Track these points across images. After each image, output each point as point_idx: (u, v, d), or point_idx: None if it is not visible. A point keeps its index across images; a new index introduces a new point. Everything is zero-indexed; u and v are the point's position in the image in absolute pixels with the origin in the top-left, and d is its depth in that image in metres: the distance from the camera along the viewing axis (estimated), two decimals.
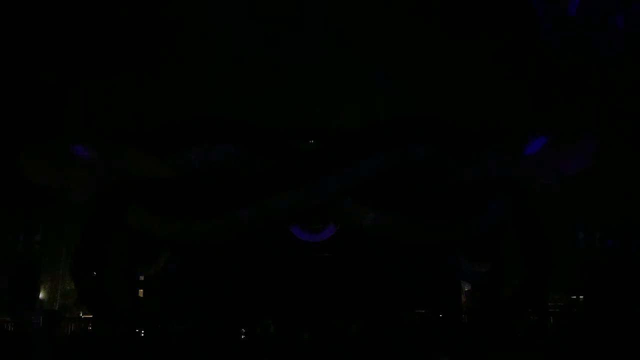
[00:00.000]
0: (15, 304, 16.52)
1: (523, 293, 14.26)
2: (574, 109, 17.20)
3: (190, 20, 17.95)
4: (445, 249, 15.81)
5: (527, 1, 18.41)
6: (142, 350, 9.14)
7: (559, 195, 15.86)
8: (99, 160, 14.52)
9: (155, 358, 8.71)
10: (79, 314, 16.21)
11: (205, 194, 14.41)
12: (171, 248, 15.51)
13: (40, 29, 17.42)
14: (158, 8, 17.83)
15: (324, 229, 15.67)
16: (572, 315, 15.44)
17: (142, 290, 15.70)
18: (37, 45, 17.48)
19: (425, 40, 18.22)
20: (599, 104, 16.88)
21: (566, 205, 16.71)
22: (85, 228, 14.65)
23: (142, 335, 13.32)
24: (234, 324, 15.15)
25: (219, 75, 17.56)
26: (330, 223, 15.53)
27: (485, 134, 15.53)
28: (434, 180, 14.74)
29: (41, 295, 17.38)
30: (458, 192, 14.89)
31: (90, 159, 14.60)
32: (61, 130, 15.68)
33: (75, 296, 14.88)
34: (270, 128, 15.14)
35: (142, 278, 15.37)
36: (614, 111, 16.85)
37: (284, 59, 17.85)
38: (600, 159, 15.19)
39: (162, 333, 12.61)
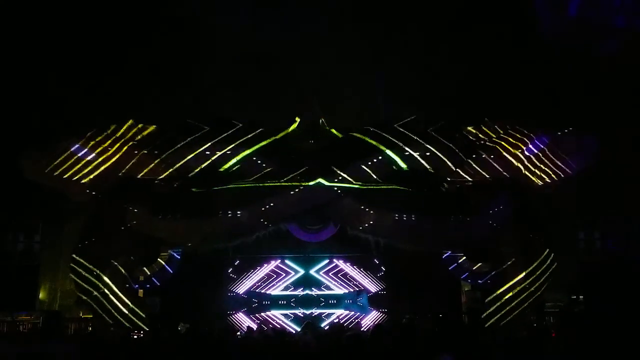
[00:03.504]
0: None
1: (523, 293, 14.27)
2: (574, 109, 17.21)
3: (190, 20, 17.93)
4: (445, 248, 15.83)
5: (528, 1, 18.40)
6: (141, 350, 9.13)
7: (559, 195, 15.89)
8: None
9: (155, 358, 8.70)
10: (79, 314, 16.19)
11: (205, 194, 14.40)
12: (171, 248, 15.54)
13: (40, 29, 17.40)
14: (158, 8, 17.82)
15: (323, 229, 15.66)
16: (572, 315, 15.43)
17: (142, 291, 15.68)
18: (38, 45, 17.47)
19: (426, 39, 18.21)
20: (600, 104, 16.87)
21: (566, 205, 16.73)
22: (85, 228, 14.65)
23: (142, 335, 13.34)
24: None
25: (219, 75, 17.55)
26: (329, 223, 15.51)
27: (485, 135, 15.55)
28: (434, 180, 14.76)
29: (41, 295, 17.37)
30: (458, 192, 14.92)
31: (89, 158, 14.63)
32: (61, 130, 15.65)
33: (75, 296, 14.85)
34: (270, 128, 15.13)
35: (142, 278, 15.35)
36: (614, 111, 16.84)
37: (283, 58, 17.85)
38: (600, 158, 15.19)
39: (162, 333, 12.59)
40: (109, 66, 17.40)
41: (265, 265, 17.11)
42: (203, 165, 14.50)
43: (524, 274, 14.53)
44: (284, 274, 17.11)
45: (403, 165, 14.48)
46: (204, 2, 18.12)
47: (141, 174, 14.64)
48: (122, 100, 17.07)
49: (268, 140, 14.61)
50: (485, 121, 15.70)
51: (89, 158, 14.57)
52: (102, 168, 14.55)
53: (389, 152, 14.45)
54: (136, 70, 17.57)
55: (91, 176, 14.47)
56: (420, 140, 14.55)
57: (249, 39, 18.21)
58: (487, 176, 14.86)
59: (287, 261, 17.11)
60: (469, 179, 14.82)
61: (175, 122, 15.10)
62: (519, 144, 15.12)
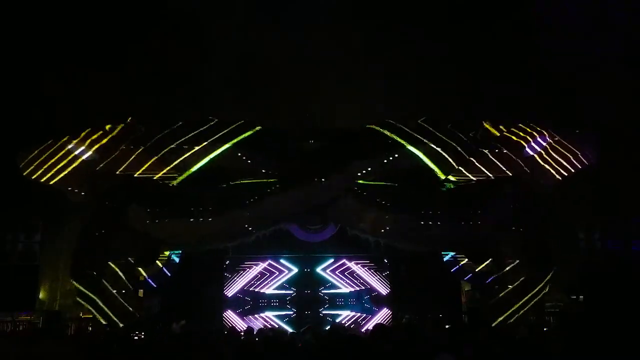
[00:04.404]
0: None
1: (523, 293, 14.27)
2: (574, 109, 17.22)
3: (190, 20, 17.94)
4: (445, 248, 15.83)
5: (528, 1, 18.41)
6: (141, 350, 9.13)
7: (559, 195, 15.90)
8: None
9: (155, 358, 8.70)
10: (79, 314, 16.18)
11: (205, 194, 14.43)
12: (171, 248, 15.55)
13: (40, 29, 17.41)
14: (158, 8, 17.83)
15: (323, 229, 15.66)
16: (571, 315, 15.43)
17: (142, 291, 15.69)
18: (37, 45, 17.48)
19: (425, 39, 18.22)
20: (599, 104, 16.88)
21: (566, 205, 16.73)
22: (85, 228, 14.66)
23: (142, 335, 13.34)
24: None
25: (219, 75, 17.56)
26: (330, 223, 15.51)
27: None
28: (434, 180, 14.78)
29: (41, 295, 17.35)
30: (458, 192, 14.94)
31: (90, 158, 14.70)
32: (61, 130, 15.69)
33: (75, 296, 14.87)
34: (270, 128, 15.17)
35: (142, 278, 15.36)
36: (614, 111, 16.85)
37: (284, 58, 17.84)
38: (601, 158, 15.20)
39: (162, 333, 12.59)
40: (109, 66, 17.39)
41: (260, 263, 16.98)
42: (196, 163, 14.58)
43: (524, 274, 14.55)
44: (278, 273, 16.95)
45: (424, 159, 14.50)
46: (204, 2, 18.13)
47: (139, 174, 14.68)
48: (122, 100, 17.07)
49: (249, 134, 14.66)
50: (484, 120, 15.74)
51: (87, 157, 14.63)
52: (100, 167, 14.60)
53: (410, 147, 14.49)
54: (135, 70, 17.57)
55: (88, 175, 14.53)
56: (441, 136, 14.62)
57: (248, 39, 18.22)
58: (490, 175, 14.90)
59: (282, 260, 16.96)
60: (474, 177, 14.88)
61: (174, 121, 15.12)
62: (518, 145, 15.16)
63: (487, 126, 15.66)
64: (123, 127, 15.10)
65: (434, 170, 14.66)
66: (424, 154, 14.49)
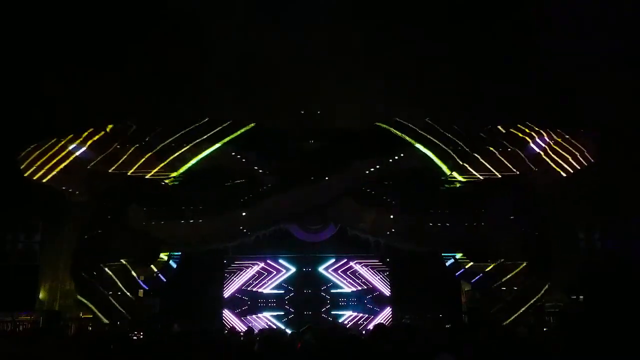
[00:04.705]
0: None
1: (523, 294, 14.28)
2: (574, 109, 17.21)
3: (190, 20, 17.92)
4: (445, 249, 15.83)
5: (528, 1, 18.40)
6: (141, 350, 9.12)
7: (559, 195, 15.90)
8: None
9: (155, 358, 8.69)
10: (79, 313, 16.19)
11: (205, 194, 14.45)
12: (171, 248, 15.56)
13: (40, 29, 17.40)
14: (158, 8, 17.81)
15: (323, 229, 15.68)
16: (571, 315, 15.43)
17: (142, 291, 15.70)
18: (37, 44, 17.47)
19: (425, 39, 18.21)
20: (599, 104, 16.87)
21: (566, 205, 16.74)
22: (85, 228, 14.68)
23: (142, 335, 13.35)
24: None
25: (219, 75, 17.54)
26: (330, 223, 15.53)
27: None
28: (435, 180, 14.80)
29: (41, 295, 17.36)
30: (459, 192, 14.95)
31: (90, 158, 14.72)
32: (61, 130, 15.68)
33: (75, 296, 14.88)
34: (271, 128, 15.18)
35: (142, 278, 15.37)
36: (614, 111, 16.84)
37: (283, 59, 17.83)
38: (601, 158, 15.20)
39: (162, 333, 12.59)
40: (109, 66, 17.38)
41: (259, 263, 16.96)
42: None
43: (524, 274, 14.56)
44: (276, 272, 16.92)
45: (430, 156, 14.53)
46: (204, 2, 18.11)
47: (139, 174, 14.70)
48: (122, 100, 17.07)
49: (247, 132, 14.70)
50: (484, 120, 15.76)
51: (87, 157, 14.66)
52: (101, 168, 14.62)
53: (418, 145, 14.52)
54: (135, 70, 17.56)
55: (88, 175, 14.56)
56: (450, 136, 14.67)
57: (248, 39, 18.21)
58: (491, 174, 14.93)
59: (281, 260, 16.96)
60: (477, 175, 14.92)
61: (174, 121, 15.14)
62: (520, 143, 15.17)
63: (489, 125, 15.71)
64: (119, 127, 15.13)
65: (435, 169, 14.68)
66: (430, 152, 14.54)
